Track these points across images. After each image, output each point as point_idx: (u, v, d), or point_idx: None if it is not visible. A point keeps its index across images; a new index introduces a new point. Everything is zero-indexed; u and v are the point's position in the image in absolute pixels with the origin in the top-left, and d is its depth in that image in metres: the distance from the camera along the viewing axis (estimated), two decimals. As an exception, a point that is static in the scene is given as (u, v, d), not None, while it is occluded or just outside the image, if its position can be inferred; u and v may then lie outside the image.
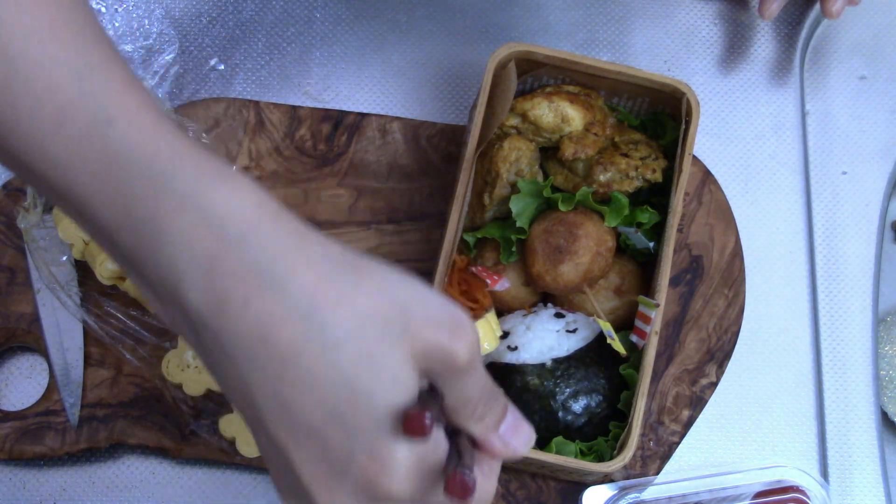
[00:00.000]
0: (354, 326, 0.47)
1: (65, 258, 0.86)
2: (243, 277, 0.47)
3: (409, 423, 0.47)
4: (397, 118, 0.92)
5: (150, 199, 0.47)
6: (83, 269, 0.86)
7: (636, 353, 0.80)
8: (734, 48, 0.97)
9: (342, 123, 0.92)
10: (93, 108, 0.47)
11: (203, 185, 0.47)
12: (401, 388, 0.48)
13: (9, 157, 0.48)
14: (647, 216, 0.82)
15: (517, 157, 0.83)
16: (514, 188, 0.83)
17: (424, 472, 0.49)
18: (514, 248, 0.83)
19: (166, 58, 0.93)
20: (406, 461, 0.48)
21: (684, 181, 0.81)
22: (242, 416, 0.51)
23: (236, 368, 0.48)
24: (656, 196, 0.85)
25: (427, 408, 0.47)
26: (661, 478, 0.85)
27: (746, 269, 0.90)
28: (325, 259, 0.48)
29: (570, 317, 0.82)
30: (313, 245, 0.48)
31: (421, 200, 0.91)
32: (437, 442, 0.50)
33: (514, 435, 0.54)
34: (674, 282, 0.89)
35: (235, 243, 0.47)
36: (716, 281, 0.89)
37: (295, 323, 0.47)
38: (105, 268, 0.84)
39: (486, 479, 0.53)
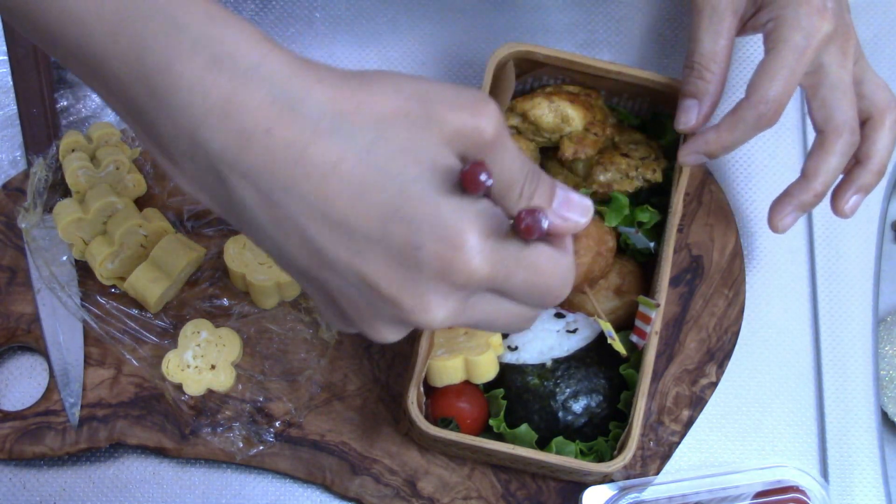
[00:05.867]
0: (381, 127, 0.48)
1: (65, 258, 0.86)
2: (260, 108, 0.47)
3: (467, 178, 0.47)
4: (397, 118, 0.92)
5: (163, 46, 0.47)
6: (83, 269, 0.86)
7: (636, 353, 0.80)
8: (733, 47, 0.97)
9: (342, 123, 0.91)
10: None
11: (213, 28, 0.48)
12: (443, 168, 0.48)
13: (25, 18, 0.49)
14: (647, 216, 0.82)
15: (517, 157, 0.83)
16: (514, 188, 0.83)
17: (494, 237, 0.49)
18: (514, 248, 0.83)
19: (166, 58, 0.93)
20: (473, 227, 0.48)
21: (684, 181, 0.81)
22: (292, 269, 0.51)
23: (277, 208, 0.48)
24: (656, 196, 0.85)
25: (479, 163, 0.48)
26: (661, 478, 0.85)
27: (746, 269, 0.90)
28: (333, 74, 0.49)
29: (570, 317, 0.82)
30: (319, 67, 0.49)
31: (421, 200, 0.90)
32: (497, 213, 0.50)
33: (568, 208, 0.53)
34: (674, 282, 0.89)
35: (247, 76, 0.47)
36: (716, 281, 0.89)
37: (323, 137, 0.47)
38: (105, 268, 0.84)
39: (560, 256, 0.52)
